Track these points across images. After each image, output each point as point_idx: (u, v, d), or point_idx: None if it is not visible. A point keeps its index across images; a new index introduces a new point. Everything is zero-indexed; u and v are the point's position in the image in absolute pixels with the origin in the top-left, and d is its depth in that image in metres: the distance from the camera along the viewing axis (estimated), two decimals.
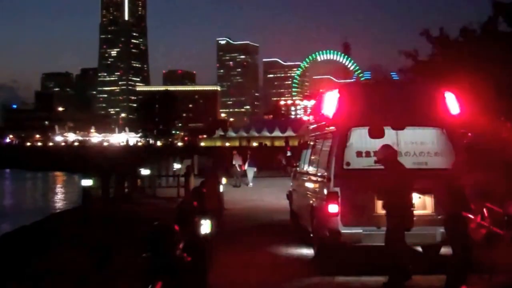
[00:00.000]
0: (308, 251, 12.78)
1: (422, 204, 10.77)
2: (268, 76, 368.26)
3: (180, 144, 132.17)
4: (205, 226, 8.75)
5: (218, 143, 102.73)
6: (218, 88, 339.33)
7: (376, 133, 11.03)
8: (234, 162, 33.62)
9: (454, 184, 8.57)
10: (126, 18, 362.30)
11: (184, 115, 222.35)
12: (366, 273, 10.50)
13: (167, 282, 5.33)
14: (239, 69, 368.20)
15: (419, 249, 12.43)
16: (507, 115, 45.34)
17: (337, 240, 10.74)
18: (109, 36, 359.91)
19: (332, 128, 11.96)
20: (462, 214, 8.54)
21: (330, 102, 11.96)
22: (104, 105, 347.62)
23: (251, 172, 33.48)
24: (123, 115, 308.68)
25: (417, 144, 11.40)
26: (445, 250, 10.87)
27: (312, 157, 13.84)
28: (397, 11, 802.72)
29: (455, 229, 8.65)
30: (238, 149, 39.55)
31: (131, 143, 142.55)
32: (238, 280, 10.59)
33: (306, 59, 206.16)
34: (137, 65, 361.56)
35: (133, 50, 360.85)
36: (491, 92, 32.19)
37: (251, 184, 32.89)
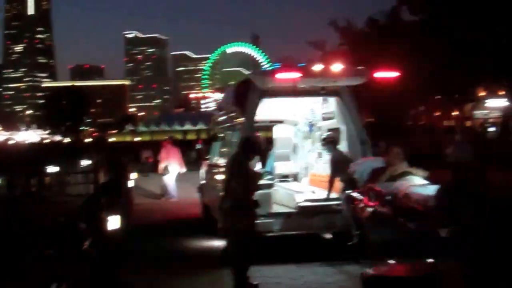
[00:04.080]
0: (220, 243, 12.77)
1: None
2: (178, 69, 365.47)
3: (89, 140, 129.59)
4: (114, 222, 8.59)
5: (128, 138, 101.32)
6: (127, 82, 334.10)
7: None
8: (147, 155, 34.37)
9: None
10: (31, 12, 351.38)
11: (93, 110, 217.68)
12: (280, 262, 10.63)
13: (73, 279, 5.23)
14: (148, 63, 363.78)
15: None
16: (412, 102, 46.83)
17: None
18: (13, 31, 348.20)
19: (240, 119, 12.06)
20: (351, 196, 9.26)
21: (239, 94, 12.05)
22: (10, 102, 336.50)
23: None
24: (30, 112, 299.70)
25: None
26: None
27: (222, 149, 13.89)
28: (308, 2, 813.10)
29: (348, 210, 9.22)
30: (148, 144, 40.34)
31: (38, 140, 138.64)
32: (149, 274, 10.52)
33: (216, 52, 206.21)
34: (43, 60, 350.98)
35: (39, 45, 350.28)
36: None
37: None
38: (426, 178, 8.62)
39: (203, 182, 16.15)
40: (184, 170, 22.88)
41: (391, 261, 8.35)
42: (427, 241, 7.06)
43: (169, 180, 22.42)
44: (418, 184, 8.26)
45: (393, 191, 8.32)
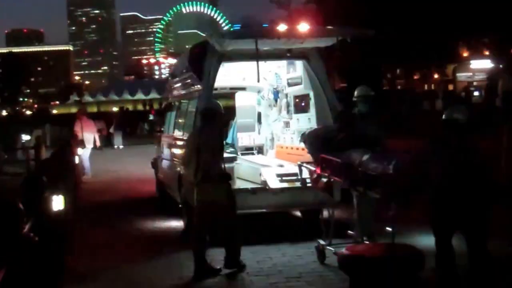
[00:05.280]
0: (177, 223, 12.79)
1: None
2: (127, 32, 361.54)
3: (29, 112, 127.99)
4: (58, 203, 8.52)
5: (74, 110, 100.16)
6: (71, 48, 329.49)
7: None
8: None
9: None
10: None
11: (33, 79, 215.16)
12: (245, 243, 10.65)
13: (12, 266, 5.14)
14: (94, 26, 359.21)
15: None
16: (387, 65, 47.10)
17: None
18: None
19: (197, 87, 11.99)
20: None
21: (196, 58, 11.96)
22: None
23: (119, 135, 37.19)
24: None
25: None
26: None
27: (178, 120, 13.84)
28: None
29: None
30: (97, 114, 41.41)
31: None
32: (100, 261, 10.46)
33: (170, 12, 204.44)
34: None
35: None
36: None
37: (121, 146, 36.63)
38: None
39: (158, 156, 16.08)
40: (99, 144, 22.95)
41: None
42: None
43: (84, 155, 21.93)
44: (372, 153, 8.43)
45: (347, 159, 8.51)
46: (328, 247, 9.40)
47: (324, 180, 9.12)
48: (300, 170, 10.14)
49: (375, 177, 7.81)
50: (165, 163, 14.75)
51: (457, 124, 7.29)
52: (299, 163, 10.34)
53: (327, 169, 9.02)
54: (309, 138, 10.11)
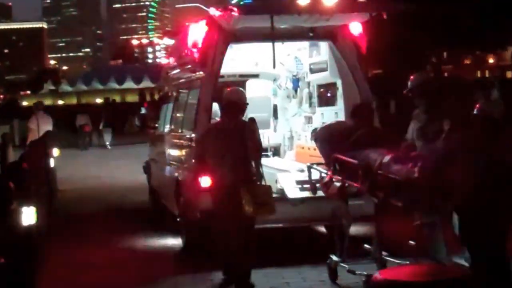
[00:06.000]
0: (174, 241, 12.83)
1: None
2: (114, 6, 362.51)
3: None
4: (28, 215, 8.55)
5: (48, 101, 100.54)
6: (44, 25, 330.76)
7: None
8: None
9: None
10: None
11: None
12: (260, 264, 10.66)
13: None
14: None
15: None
16: (432, 47, 46.98)
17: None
18: None
19: (200, 73, 12.00)
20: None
21: (197, 38, 11.96)
22: None
23: (108, 133, 37.38)
24: None
25: None
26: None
27: (175, 114, 13.85)
28: None
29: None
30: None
31: None
32: (78, 286, 10.50)
33: None
34: None
35: None
36: None
37: (108, 146, 36.93)
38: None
39: (151, 158, 16.09)
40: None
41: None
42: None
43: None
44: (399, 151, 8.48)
45: (365, 160, 8.52)
46: (341, 264, 9.42)
47: (337, 185, 9.14)
48: (310, 173, 10.17)
49: (397, 182, 7.82)
50: (159, 167, 14.76)
51: (493, 120, 7.27)
52: (308, 164, 10.38)
53: (341, 172, 9.05)
54: (321, 135, 10.12)
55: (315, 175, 10.12)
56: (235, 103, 9.82)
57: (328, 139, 9.86)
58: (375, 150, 8.62)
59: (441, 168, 7.28)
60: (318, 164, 10.13)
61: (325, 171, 9.58)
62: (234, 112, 9.80)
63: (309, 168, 10.24)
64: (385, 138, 9.16)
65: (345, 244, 9.42)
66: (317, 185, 10.01)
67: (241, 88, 10.55)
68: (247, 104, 10.06)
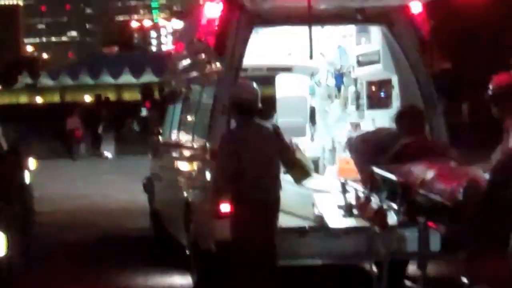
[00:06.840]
0: (182, 280, 12.84)
1: None
2: None
3: None
4: None
5: (24, 99, 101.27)
6: (20, 3, 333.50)
7: None
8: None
9: None
10: None
11: None
12: None
13: None
14: None
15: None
16: None
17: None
18: None
19: (216, 65, 12.00)
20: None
21: (214, 20, 11.92)
22: None
23: (108, 139, 37.76)
24: None
25: None
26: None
27: (185, 117, 13.88)
28: None
29: None
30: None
31: None
32: None
33: None
34: None
35: None
36: None
37: (110, 155, 36.98)
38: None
39: (153, 174, 16.12)
40: None
41: None
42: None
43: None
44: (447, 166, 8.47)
45: (406, 176, 8.48)
46: None
47: (375, 206, 9.13)
48: (344, 190, 10.21)
49: (438, 204, 7.76)
50: (164, 185, 14.79)
51: None
52: (342, 180, 10.43)
53: (379, 191, 9.06)
54: (356, 145, 10.09)
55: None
56: (250, 102, 9.61)
57: (365, 150, 9.88)
58: (421, 164, 8.57)
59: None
60: (355, 180, 10.10)
61: (362, 189, 9.63)
62: (249, 115, 9.60)
63: (343, 184, 10.40)
64: (437, 151, 9.15)
65: (384, 280, 9.43)
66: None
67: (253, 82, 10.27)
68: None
